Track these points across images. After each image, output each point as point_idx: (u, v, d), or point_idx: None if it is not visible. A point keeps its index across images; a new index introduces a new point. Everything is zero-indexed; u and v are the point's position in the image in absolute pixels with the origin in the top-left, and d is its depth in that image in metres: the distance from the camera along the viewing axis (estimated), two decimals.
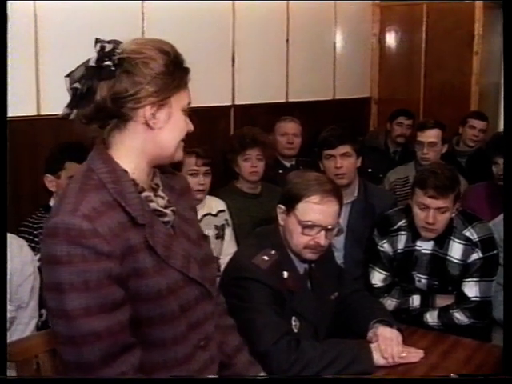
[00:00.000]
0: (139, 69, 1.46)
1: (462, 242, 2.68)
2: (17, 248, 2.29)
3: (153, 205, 1.55)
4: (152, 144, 1.53)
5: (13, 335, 2.21)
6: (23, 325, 2.30)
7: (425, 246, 2.72)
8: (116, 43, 1.49)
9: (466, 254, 2.67)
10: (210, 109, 3.86)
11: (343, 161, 3.08)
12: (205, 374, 1.63)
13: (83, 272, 1.39)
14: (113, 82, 1.46)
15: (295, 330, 2.17)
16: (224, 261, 2.95)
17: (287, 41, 4.58)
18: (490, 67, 5.54)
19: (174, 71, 1.50)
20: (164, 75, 1.48)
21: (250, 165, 3.41)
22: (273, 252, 2.20)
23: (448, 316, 2.65)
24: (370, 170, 4.06)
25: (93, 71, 1.46)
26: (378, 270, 2.81)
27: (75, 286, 1.39)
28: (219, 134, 3.99)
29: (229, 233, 3.28)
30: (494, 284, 2.67)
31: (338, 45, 5.28)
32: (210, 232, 3.14)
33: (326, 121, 4.07)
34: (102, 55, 1.46)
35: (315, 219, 2.17)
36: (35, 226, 2.64)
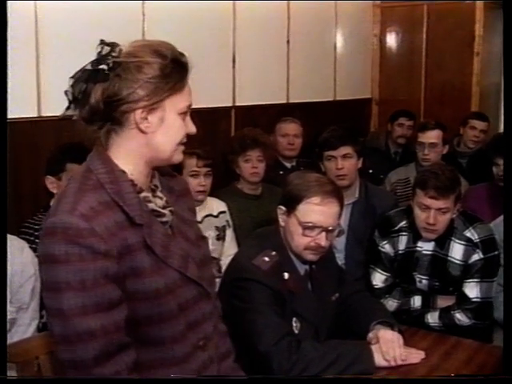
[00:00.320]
0: (132, 73, 1.47)
1: (462, 242, 2.68)
2: (17, 249, 2.29)
3: (151, 205, 1.56)
4: (147, 147, 1.54)
5: (14, 336, 2.21)
6: (24, 326, 2.30)
7: (426, 247, 2.72)
8: (114, 46, 1.49)
9: (467, 254, 2.67)
10: (210, 110, 3.86)
11: (344, 162, 3.08)
12: (204, 374, 1.63)
13: (80, 271, 1.40)
14: (106, 86, 1.47)
15: (296, 331, 2.17)
16: (225, 262, 2.96)
17: (288, 41, 4.59)
18: (490, 68, 5.54)
19: (169, 74, 1.49)
20: (157, 79, 1.48)
21: (251, 166, 3.41)
22: (273, 253, 2.20)
23: (449, 317, 2.65)
24: (370, 171, 4.07)
25: (88, 74, 1.47)
26: (379, 270, 2.81)
27: (72, 284, 1.40)
28: (220, 135, 4.00)
29: (229, 234, 3.28)
30: (495, 285, 2.67)
31: (339, 45, 5.28)
32: (211, 233, 3.14)
33: (327, 122, 4.07)
34: (99, 58, 1.47)
35: (316, 220, 2.17)
36: (36, 227, 2.64)
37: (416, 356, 2.13)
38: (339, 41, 5.29)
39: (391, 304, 2.74)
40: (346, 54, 5.34)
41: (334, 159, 3.09)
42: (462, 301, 2.66)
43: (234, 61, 4.09)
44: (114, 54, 1.48)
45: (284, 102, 4.62)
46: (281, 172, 3.97)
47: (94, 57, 1.49)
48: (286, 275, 2.20)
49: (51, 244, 1.42)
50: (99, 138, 1.54)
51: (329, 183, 2.26)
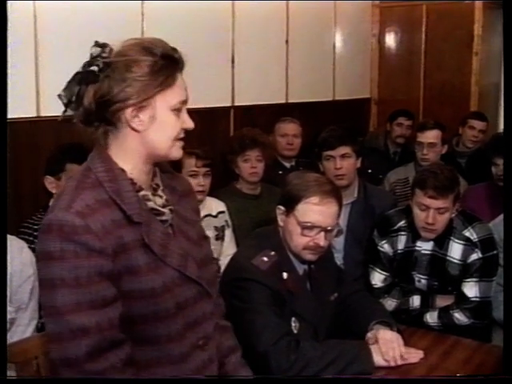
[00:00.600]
0: (120, 72, 1.47)
1: (461, 242, 2.68)
2: (17, 249, 2.29)
3: (150, 203, 1.56)
4: (142, 145, 1.54)
5: (13, 336, 2.21)
6: (23, 326, 2.30)
7: (425, 247, 2.72)
8: (104, 46, 1.50)
9: (466, 254, 2.67)
10: (209, 110, 3.87)
11: (343, 162, 3.08)
12: (204, 374, 1.63)
13: (75, 268, 1.41)
14: (98, 87, 1.47)
15: (295, 331, 2.17)
16: (224, 262, 2.95)
17: (287, 41, 4.59)
18: (489, 67, 5.54)
19: (158, 71, 1.49)
20: (145, 77, 1.48)
21: (250, 166, 3.41)
22: (272, 253, 2.21)
23: (448, 316, 2.65)
24: (369, 171, 4.07)
25: (80, 76, 1.48)
26: (378, 270, 2.82)
27: (66, 281, 1.41)
28: (219, 135, 4.00)
29: (228, 234, 3.28)
30: (494, 284, 2.67)
31: (338, 45, 5.29)
32: (210, 233, 3.14)
33: (326, 121, 4.07)
34: (90, 60, 1.49)
35: (315, 220, 2.17)
36: (35, 227, 2.64)
37: (415, 355, 2.13)
38: (338, 41, 5.29)
39: (390, 304, 2.74)
40: (345, 54, 5.34)
41: (333, 159, 3.09)
42: (461, 300, 2.66)
43: (232, 61, 4.10)
44: (104, 55, 1.49)
45: (283, 101, 4.63)
46: (280, 172, 3.97)
47: None
48: (285, 275, 2.20)
49: (47, 241, 1.43)
50: (98, 138, 1.55)
51: (328, 183, 2.26)
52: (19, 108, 2.73)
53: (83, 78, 1.48)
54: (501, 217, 2.68)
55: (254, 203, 3.44)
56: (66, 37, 3.01)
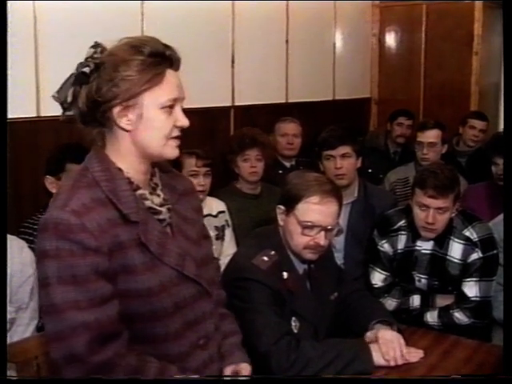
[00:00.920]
0: (108, 72, 1.48)
1: (461, 241, 2.68)
2: (17, 249, 2.29)
3: (147, 202, 1.56)
4: (134, 145, 1.54)
5: (13, 336, 2.21)
6: (23, 326, 2.30)
7: (425, 246, 2.72)
8: (97, 47, 1.50)
9: (466, 253, 2.67)
10: (209, 110, 3.87)
11: (343, 161, 3.08)
12: (204, 373, 1.63)
13: (70, 266, 1.42)
14: (89, 87, 1.48)
15: (295, 331, 2.17)
16: (224, 261, 2.95)
17: (287, 41, 4.59)
18: (489, 67, 5.54)
19: (145, 70, 1.49)
20: (132, 76, 1.48)
21: (250, 165, 3.41)
22: (272, 252, 2.20)
23: (448, 316, 2.65)
24: (370, 171, 4.07)
25: (74, 77, 1.49)
26: (378, 270, 2.82)
27: (63, 279, 1.42)
28: (219, 135, 4.00)
29: (229, 233, 3.28)
30: (494, 284, 2.67)
31: (338, 45, 5.29)
32: (210, 233, 3.13)
33: (326, 121, 4.07)
34: (83, 61, 1.49)
35: (315, 219, 2.17)
36: (35, 227, 2.63)
37: (415, 355, 2.13)
38: (338, 40, 5.29)
39: (390, 303, 2.74)
40: (345, 54, 5.34)
41: (333, 158, 3.09)
42: (461, 300, 2.66)
43: (233, 61, 4.09)
44: (95, 56, 1.49)
45: (283, 101, 4.63)
46: (280, 171, 3.97)
47: None
48: (285, 275, 2.20)
49: (43, 240, 1.45)
50: (96, 138, 1.56)
51: (328, 182, 2.26)
52: (19, 108, 2.73)
53: (76, 79, 1.48)
54: (501, 216, 2.68)
55: (254, 203, 3.44)
56: (65, 37, 3.01)
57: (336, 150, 3.09)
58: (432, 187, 2.58)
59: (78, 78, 1.48)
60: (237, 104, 4.17)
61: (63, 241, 1.42)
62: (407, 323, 2.48)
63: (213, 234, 3.17)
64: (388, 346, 2.08)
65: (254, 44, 4.24)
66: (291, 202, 2.22)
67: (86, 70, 1.48)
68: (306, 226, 2.18)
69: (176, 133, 1.56)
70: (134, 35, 1.58)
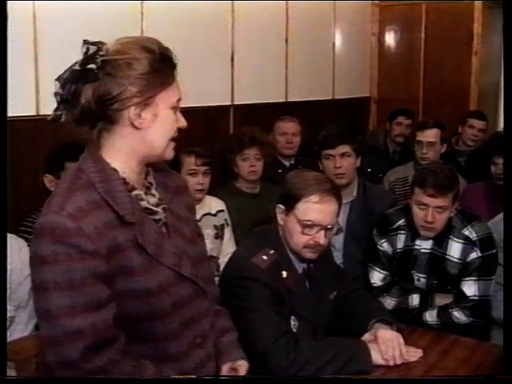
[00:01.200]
0: (122, 70, 1.47)
1: (460, 241, 2.68)
2: (16, 248, 2.29)
3: (143, 203, 1.55)
4: (140, 144, 1.53)
5: (12, 334, 2.21)
6: (22, 324, 2.30)
7: (424, 245, 2.72)
8: (100, 45, 1.49)
9: (465, 253, 2.67)
10: (209, 108, 3.87)
11: (342, 160, 3.08)
12: (202, 372, 1.63)
13: (68, 271, 1.41)
14: (97, 85, 1.46)
15: (294, 330, 2.17)
16: (223, 260, 2.96)
17: (286, 40, 4.59)
18: (489, 67, 5.55)
19: (159, 69, 1.49)
20: (148, 75, 1.48)
21: (249, 164, 3.41)
22: (272, 251, 2.20)
23: (447, 315, 2.65)
24: (369, 170, 4.07)
25: (77, 74, 1.47)
26: (378, 269, 2.82)
27: (60, 284, 1.40)
28: (219, 134, 4.00)
29: (228, 232, 3.28)
30: (493, 283, 2.68)
31: (338, 44, 5.29)
32: (210, 232, 3.14)
33: (326, 120, 4.08)
34: (86, 58, 1.47)
35: (314, 218, 2.17)
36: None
37: (414, 354, 2.13)
38: (338, 40, 5.29)
39: (389, 302, 2.74)
40: (344, 53, 5.35)
41: (333, 158, 3.09)
42: (460, 299, 2.67)
43: (232, 60, 4.10)
44: (101, 53, 1.48)
45: (283, 100, 4.63)
46: (279, 170, 3.98)
47: None
48: (285, 274, 2.20)
49: (39, 244, 1.43)
50: (91, 138, 1.54)
51: (327, 182, 2.26)
52: (19, 106, 2.73)
53: (81, 76, 1.47)
54: (500, 216, 2.68)
55: (254, 202, 3.44)
56: (65, 36, 3.00)
57: (335, 150, 3.09)
58: (431, 186, 2.58)
59: (83, 75, 1.46)
60: (236, 103, 4.17)
61: (60, 245, 1.41)
62: (406, 322, 2.47)
63: (212, 232, 3.17)
64: (387, 346, 2.08)
65: (253, 43, 4.24)
66: (291, 201, 2.22)
67: (93, 66, 1.46)
68: (306, 225, 2.18)
69: (176, 133, 1.58)
70: (134, 35, 1.58)
